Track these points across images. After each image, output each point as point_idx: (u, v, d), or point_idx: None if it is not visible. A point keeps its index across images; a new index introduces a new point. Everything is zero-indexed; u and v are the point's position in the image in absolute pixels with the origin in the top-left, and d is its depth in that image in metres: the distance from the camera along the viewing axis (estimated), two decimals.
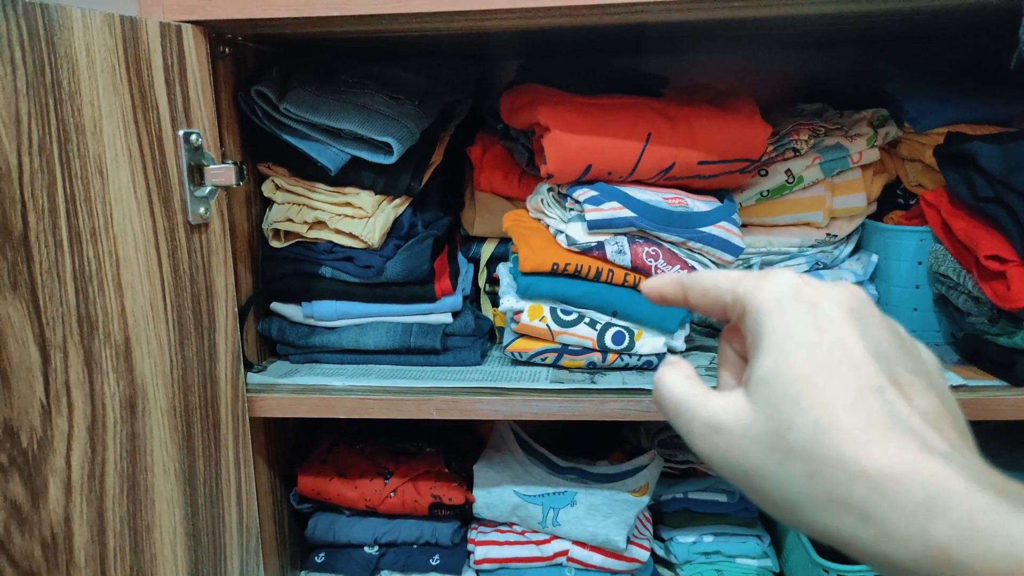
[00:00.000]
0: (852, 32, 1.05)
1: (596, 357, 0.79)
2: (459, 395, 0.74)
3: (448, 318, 0.85)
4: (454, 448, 0.98)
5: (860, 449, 0.25)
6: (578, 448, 1.08)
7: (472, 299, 0.92)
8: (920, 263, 0.83)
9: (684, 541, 0.95)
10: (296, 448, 0.94)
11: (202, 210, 0.68)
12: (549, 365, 0.81)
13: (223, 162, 0.69)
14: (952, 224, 0.76)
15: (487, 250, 0.92)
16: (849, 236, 0.91)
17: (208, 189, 0.68)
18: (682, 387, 0.31)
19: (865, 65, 1.00)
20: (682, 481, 1.01)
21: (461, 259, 0.92)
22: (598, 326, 0.78)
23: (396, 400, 0.74)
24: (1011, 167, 0.73)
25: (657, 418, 0.72)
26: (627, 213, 0.76)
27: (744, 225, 0.92)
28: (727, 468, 0.29)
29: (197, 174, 0.67)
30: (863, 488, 0.25)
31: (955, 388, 0.71)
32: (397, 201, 0.83)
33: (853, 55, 1.07)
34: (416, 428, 0.98)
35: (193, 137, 0.66)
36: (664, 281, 0.35)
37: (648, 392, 0.74)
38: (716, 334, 0.93)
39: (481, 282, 0.92)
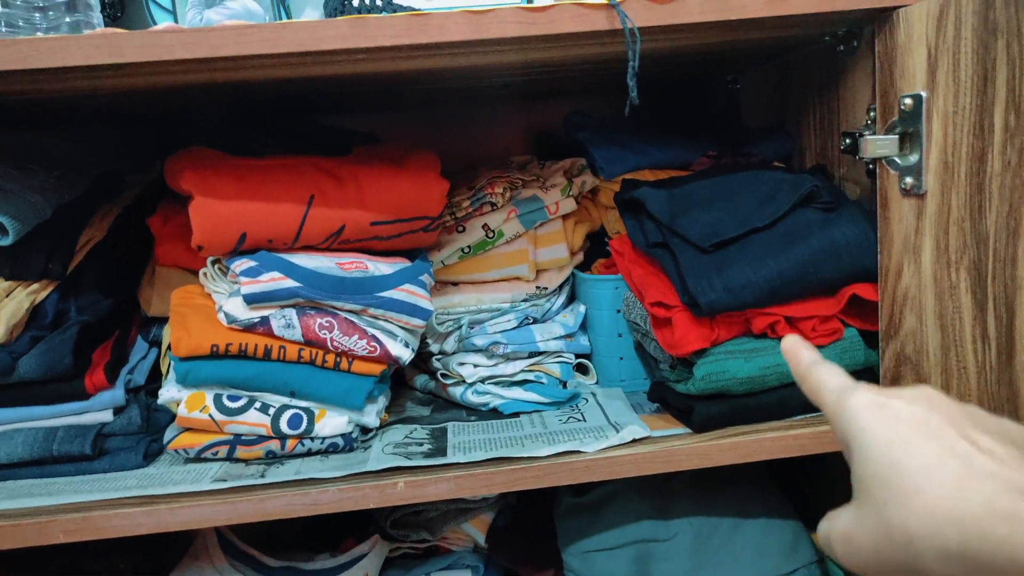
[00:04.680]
0: (574, 83, 1.06)
1: (274, 445, 0.71)
2: (92, 511, 0.63)
3: (107, 416, 0.73)
4: (159, 556, 0.86)
5: (944, 500, 0.28)
6: (322, 537, 0.99)
7: (154, 390, 0.81)
8: (618, 311, 0.82)
9: None
10: None
11: None
12: (223, 459, 0.72)
13: None
14: (632, 272, 0.75)
15: (168, 332, 0.82)
16: (560, 287, 0.89)
17: None
18: (827, 521, 0.36)
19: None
20: (424, 561, 0.94)
21: (141, 344, 0.82)
22: (272, 410, 0.70)
23: (11, 527, 0.62)
24: (675, 211, 0.73)
25: (324, 511, 0.64)
26: (290, 283, 0.69)
27: (454, 283, 0.88)
28: (867, 568, 0.33)
29: None
30: (954, 533, 0.28)
31: (640, 441, 0.69)
32: (35, 286, 0.71)
33: (585, 106, 1.07)
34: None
35: None
36: (799, 357, 0.40)
37: (324, 481, 0.66)
38: (435, 401, 0.87)
39: (164, 368, 0.81)
